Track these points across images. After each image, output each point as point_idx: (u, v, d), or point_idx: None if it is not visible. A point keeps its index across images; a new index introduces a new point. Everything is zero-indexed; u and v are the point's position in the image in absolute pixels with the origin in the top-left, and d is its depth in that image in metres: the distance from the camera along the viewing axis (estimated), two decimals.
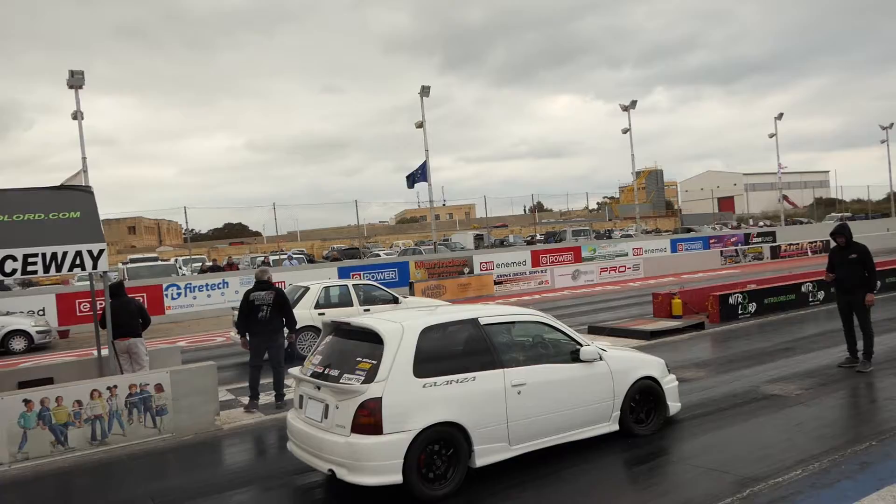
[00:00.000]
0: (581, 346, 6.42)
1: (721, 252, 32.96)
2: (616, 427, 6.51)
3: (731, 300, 14.09)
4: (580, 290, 24.83)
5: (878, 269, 9.27)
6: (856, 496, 4.90)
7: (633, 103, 37.75)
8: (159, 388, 7.80)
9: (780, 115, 44.04)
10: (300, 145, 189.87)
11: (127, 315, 9.14)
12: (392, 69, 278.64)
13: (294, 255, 32.26)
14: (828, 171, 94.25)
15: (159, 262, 31.61)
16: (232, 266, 25.70)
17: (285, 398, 8.75)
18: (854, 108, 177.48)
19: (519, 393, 5.80)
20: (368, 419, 5.17)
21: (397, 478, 5.16)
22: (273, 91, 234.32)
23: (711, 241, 37.23)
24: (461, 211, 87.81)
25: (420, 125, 29.84)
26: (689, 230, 51.47)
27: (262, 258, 33.47)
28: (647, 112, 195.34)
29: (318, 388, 5.64)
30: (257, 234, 62.02)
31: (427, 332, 5.68)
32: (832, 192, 74.71)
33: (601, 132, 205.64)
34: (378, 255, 37.89)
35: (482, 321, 6.06)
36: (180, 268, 31.25)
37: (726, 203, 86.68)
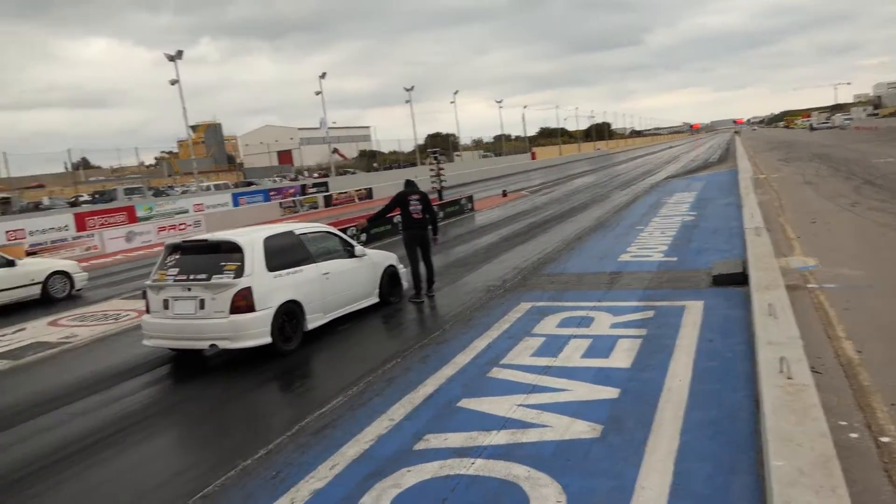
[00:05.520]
0: (354, 247, 9.26)
1: (280, 203, 34.28)
2: (377, 299, 9.57)
3: None
4: (137, 253, 23.02)
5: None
6: (383, 408, 5.65)
7: (180, 53, 35.92)
8: None
9: (324, 75, 47.45)
10: None
11: None
12: None
13: None
14: (369, 127, 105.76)
15: None
16: None
17: None
18: (384, 71, 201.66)
19: (327, 278, 8.40)
20: (244, 302, 7.27)
21: (267, 339, 7.41)
22: None
23: (271, 193, 38.36)
24: None
25: None
26: (249, 184, 52.08)
27: None
28: (197, 63, 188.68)
29: (189, 289, 7.46)
30: None
31: (268, 241, 7.86)
32: (373, 146, 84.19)
33: (148, 82, 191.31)
34: None
35: (296, 231, 8.56)
36: None
37: (285, 156, 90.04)
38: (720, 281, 8.88)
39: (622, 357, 6.38)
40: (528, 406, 5.37)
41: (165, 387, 7.46)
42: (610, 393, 5.51)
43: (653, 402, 5.20)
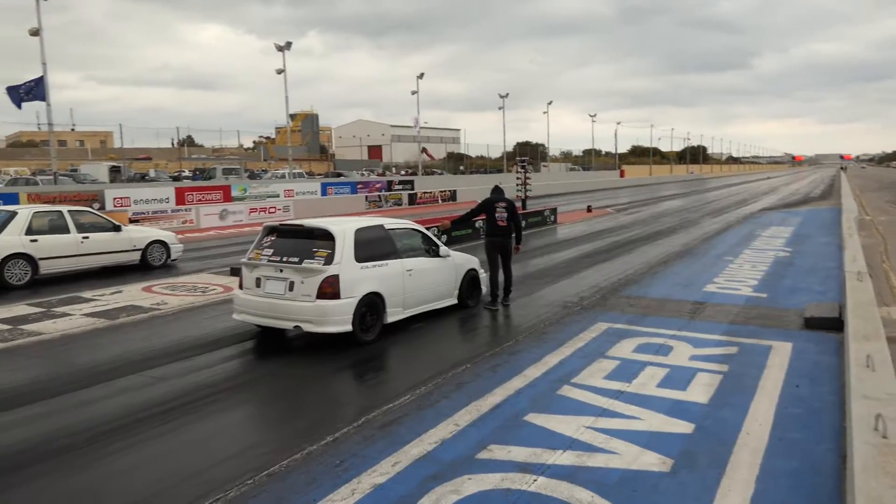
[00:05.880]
0: (439, 247, 9.41)
1: (366, 197, 34.98)
2: (455, 301, 9.68)
3: None
4: (228, 231, 24.05)
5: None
6: (450, 412, 5.66)
7: (289, 44, 37.10)
8: None
9: (422, 75, 47.92)
10: None
11: None
12: None
13: None
14: (459, 129, 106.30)
15: None
16: None
17: None
18: (479, 76, 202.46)
19: (410, 275, 8.57)
20: (330, 289, 7.51)
21: (348, 327, 7.63)
22: None
23: (359, 186, 39.12)
24: (95, 139, 77.30)
25: (36, 33, 25.03)
26: (339, 175, 53.39)
27: None
28: (302, 54, 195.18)
29: (281, 271, 7.78)
30: None
31: (359, 232, 8.08)
32: (462, 149, 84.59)
33: (255, 69, 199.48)
34: None
35: (386, 226, 8.80)
36: None
37: (375, 151, 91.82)
38: (813, 324, 8.42)
39: (700, 391, 6.14)
40: (596, 429, 5.26)
41: (245, 362, 7.74)
42: (684, 427, 5.32)
43: (729, 443, 4.98)
